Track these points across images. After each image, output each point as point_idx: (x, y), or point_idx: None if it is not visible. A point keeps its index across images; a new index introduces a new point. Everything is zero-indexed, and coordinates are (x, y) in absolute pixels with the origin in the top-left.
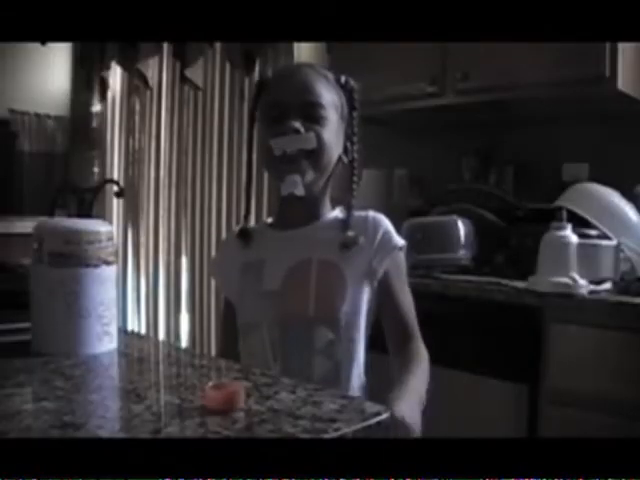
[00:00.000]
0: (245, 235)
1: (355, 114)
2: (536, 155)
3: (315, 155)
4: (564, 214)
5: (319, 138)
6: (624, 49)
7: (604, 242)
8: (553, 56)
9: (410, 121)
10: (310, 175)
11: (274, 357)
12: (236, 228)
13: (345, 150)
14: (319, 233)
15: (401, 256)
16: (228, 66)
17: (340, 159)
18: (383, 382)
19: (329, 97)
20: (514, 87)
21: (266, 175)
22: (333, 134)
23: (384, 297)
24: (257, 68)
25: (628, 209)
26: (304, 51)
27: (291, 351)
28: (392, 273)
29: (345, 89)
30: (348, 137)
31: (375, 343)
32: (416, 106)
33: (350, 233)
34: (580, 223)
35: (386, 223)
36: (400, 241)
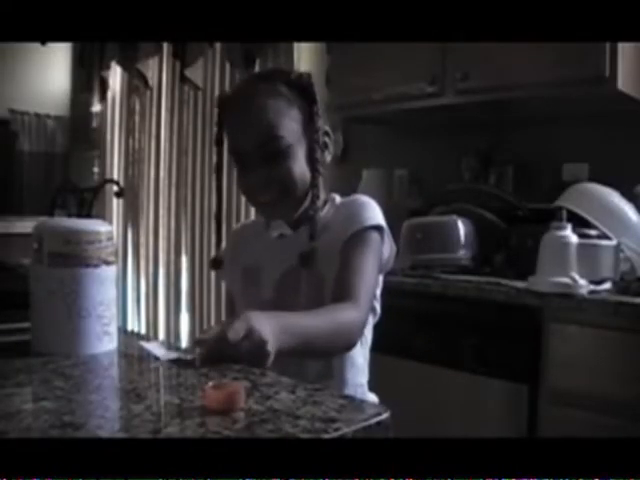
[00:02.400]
0: (216, 265)
1: (316, 108)
2: (536, 155)
3: (290, 191)
4: (564, 214)
5: (289, 176)
6: (624, 49)
7: (604, 242)
8: (553, 56)
9: (410, 121)
10: (292, 210)
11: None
12: (238, 230)
13: (310, 149)
14: (304, 238)
15: (371, 235)
16: (228, 66)
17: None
18: (388, 382)
19: (286, 120)
20: (514, 87)
21: None
22: (299, 156)
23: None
24: (257, 68)
25: (628, 209)
26: (304, 51)
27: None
28: (353, 242)
29: (300, 87)
30: (311, 135)
31: (379, 345)
32: (416, 106)
33: (310, 246)
34: (580, 223)
35: (358, 203)
36: (369, 221)
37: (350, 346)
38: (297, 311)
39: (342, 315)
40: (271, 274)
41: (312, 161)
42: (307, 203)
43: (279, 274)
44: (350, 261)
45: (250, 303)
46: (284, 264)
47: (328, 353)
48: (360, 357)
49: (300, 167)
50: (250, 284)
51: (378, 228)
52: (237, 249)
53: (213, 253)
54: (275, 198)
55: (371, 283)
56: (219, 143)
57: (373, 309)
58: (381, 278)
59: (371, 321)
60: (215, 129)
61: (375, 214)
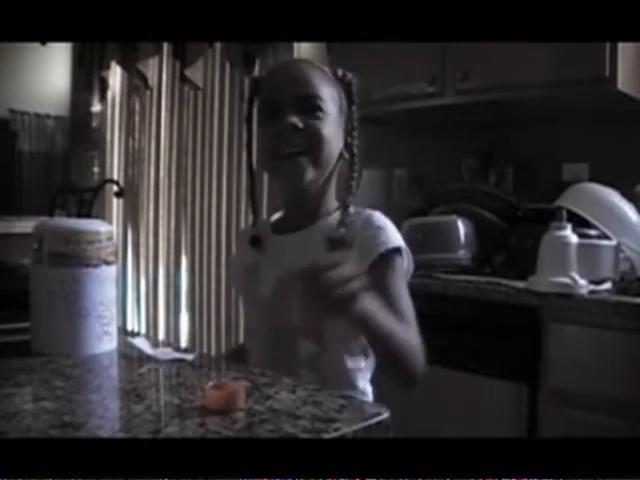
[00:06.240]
0: (256, 242)
1: (354, 108)
2: (536, 155)
3: (315, 151)
4: (564, 214)
5: (318, 133)
6: (624, 49)
7: (604, 242)
8: (553, 56)
9: (410, 121)
10: (311, 173)
11: (264, 365)
12: (246, 230)
13: (345, 145)
14: (313, 237)
15: (395, 259)
16: (228, 66)
17: (341, 155)
18: (388, 381)
19: (327, 90)
20: (514, 87)
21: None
22: (333, 128)
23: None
24: (257, 68)
25: (628, 209)
26: (304, 51)
27: (279, 361)
28: (381, 266)
29: (343, 82)
30: (348, 132)
31: None
32: (416, 106)
33: (339, 231)
34: (580, 223)
35: (377, 221)
36: (392, 243)
37: (417, 371)
38: (290, 314)
39: (414, 337)
40: (270, 273)
41: (351, 157)
42: (325, 202)
43: (278, 274)
44: (388, 289)
45: (249, 303)
46: (285, 263)
47: (399, 366)
48: (358, 373)
49: (330, 139)
50: (249, 283)
51: (399, 249)
52: (242, 250)
53: (213, 253)
54: (297, 152)
55: (412, 309)
56: (248, 120)
57: None
58: None
59: None
60: (245, 106)
61: (394, 234)
